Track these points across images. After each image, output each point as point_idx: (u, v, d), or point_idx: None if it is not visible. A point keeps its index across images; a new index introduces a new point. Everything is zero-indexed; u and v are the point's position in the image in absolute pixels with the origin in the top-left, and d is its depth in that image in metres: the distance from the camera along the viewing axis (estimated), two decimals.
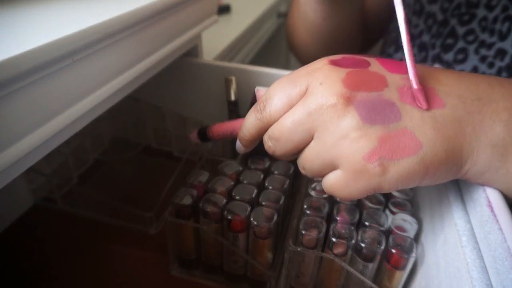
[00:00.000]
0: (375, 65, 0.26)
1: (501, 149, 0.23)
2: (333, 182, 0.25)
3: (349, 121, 0.23)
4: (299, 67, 0.27)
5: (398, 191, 0.37)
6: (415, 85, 0.24)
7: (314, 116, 0.24)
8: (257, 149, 0.43)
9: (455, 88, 0.24)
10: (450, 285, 0.25)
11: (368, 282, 0.32)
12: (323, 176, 0.26)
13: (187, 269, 0.41)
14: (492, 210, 0.23)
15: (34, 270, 0.41)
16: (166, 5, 0.36)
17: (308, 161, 0.25)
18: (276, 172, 0.40)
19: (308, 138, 0.25)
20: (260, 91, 0.31)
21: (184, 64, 0.52)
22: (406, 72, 0.24)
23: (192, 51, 0.52)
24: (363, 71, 0.25)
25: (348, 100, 0.23)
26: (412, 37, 0.49)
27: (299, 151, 0.26)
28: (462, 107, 0.24)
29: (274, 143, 0.26)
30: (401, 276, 0.32)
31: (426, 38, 0.48)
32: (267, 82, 0.50)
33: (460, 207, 0.27)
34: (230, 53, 0.76)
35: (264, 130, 0.27)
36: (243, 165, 0.41)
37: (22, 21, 0.27)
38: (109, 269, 0.41)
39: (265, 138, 0.27)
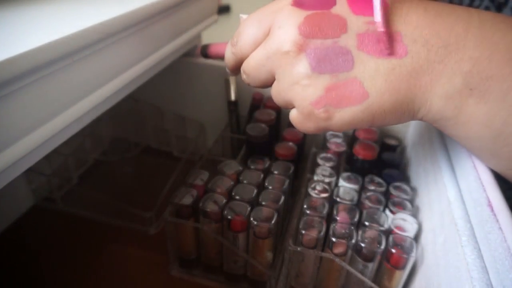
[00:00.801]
0: (341, 5, 0.24)
1: (456, 101, 0.23)
2: (293, 117, 0.26)
3: (300, 69, 0.24)
4: None
5: (398, 191, 0.37)
6: (380, 28, 0.23)
7: (272, 59, 0.25)
8: (257, 149, 0.43)
9: (425, 32, 0.23)
10: (450, 285, 0.25)
11: (368, 282, 0.32)
12: (288, 109, 0.27)
13: (187, 269, 0.41)
14: (492, 210, 0.23)
15: (34, 269, 0.41)
16: (166, 5, 0.36)
17: (274, 96, 0.27)
18: (276, 172, 0.40)
19: (272, 77, 0.26)
20: (242, 19, 0.31)
21: (184, 64, 0.52)
22: (373, 13, 0.23)
23: (192, 51, 0.52)
24: (324, 14, 0.24)
25: (300, 48, 0.24)
26: None
27: (270, 84, 0.27)
28: (424, 56, 0.23)
29: (246, 77, 0.28)
30: (401, 276, 0.32)
31: None
32: None
33: (460, 207, 0.27)
34: None
35: (239, 62, 0.29)
36: (243, 165, 0.41)
37: (22, 21, 0.27)
38: (109, 269, 0.41)
39: (241, 70, 0.29)
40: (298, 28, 0.24)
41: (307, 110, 0.25)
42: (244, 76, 0.29)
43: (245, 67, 0.28)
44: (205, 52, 0.36)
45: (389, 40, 0.23)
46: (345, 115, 0.24)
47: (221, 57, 0.34)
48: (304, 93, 0.24)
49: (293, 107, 0.26)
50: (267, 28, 0.26)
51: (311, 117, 0.25)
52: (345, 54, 0.23)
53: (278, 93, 0.26)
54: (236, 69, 0.30)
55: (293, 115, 0.26)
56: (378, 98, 0.23)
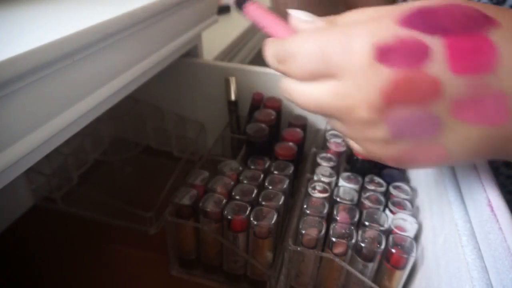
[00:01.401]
0: (437, 60, 0.19)
1: None
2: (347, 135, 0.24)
3: (378, 134, 0.21)
4: None
5: (398, 191, 0.37)
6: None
7: (339, 115, 0.22)
8: (257, 149, 0.43)
9: None
10: (450, 285, 0.25)
11: (368, 282, 0.32)
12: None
13: (187, 269, 0.41)
14: (492, 210, 0.23)
15: (35, 269, 0.41)
16: (166, 5, 0.36)
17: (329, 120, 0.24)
18: (276, 172, 0.40)
19: (331, 117, 0.23)
20: (294, 16, 0.25)
21: (184, 64, 0.52)
22: (479, 68, 0.19)
23: (192, 51, 0.52)
24: (413, 77, 0.19)
25: (381, 116, 0.20)
26: None
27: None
28: None
29: (288, 94, 0.25)
30: (401, 276, 0.32)
31: None
32: (267, 82, 0.50)
33: (460, 207, 0.27)
34: (230, 53, 0.76)
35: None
36: (243, 165, 0.41)
37: (23, 21, 0.27)
38: (109, 269, 0.41)
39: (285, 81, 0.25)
40: (381, 94, 0.20)
41: (375, 158, 0.23)
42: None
43: (293, 96, 0.24)
44: (242, 4, 0.30)
45: (495, 108, 0.19)
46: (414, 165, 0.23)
47: (256, 24, 0.29)
48: (377, 151, 0.22)
49: None
50: (333, 72, 0.21)
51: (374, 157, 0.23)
52: (433, 120, 0.20)
53: (339, 129, 0.24)
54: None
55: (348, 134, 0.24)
56: (459, 162, 0.22)
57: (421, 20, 0.20)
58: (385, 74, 0.19)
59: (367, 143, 0.22)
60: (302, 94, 0.23)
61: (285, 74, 0.24)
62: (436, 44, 0.19)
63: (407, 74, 0.19)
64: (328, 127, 0.48)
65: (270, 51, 0.24)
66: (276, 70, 0.25)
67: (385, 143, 0.21)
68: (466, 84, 0.19)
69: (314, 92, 0.22)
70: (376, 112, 0.20)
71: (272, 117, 0.46)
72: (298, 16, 0.25)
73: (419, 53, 0.19)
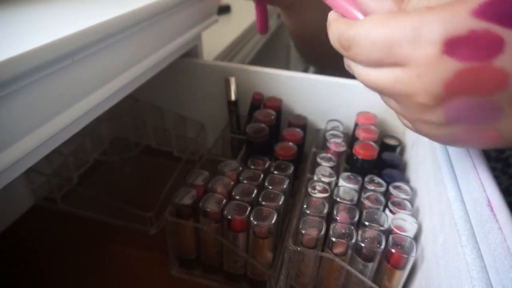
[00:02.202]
0: (508, 54, 0.18)
1: None
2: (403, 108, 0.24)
3: (433, 117, 0.22)
4: (299, 67, 0.26)
5: (398, 191, 0.37)
6: None
7: (398, 97, 0.22)
8: (257, 149, 0.43)
9: None
10: (450, 284, 0.25)
11: (368, 281, 0.32)
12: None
13: (187, 269, 0.41)
14: (492, 210, 0.23)
15: (35, 269, 0.41)
16: (166, 5, 0.36)
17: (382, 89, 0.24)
18: (276, 172, 0.40)
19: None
20: None
21: (184, 64, 0.52)
22: None
23: (192, 51, 0.52)
24: (481, 70, 0.19)
25: (440, 103, 0.20)
26: None
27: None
28: None
29: (353, 55, 0.23)
30: (401, 276, 0.32)
31: None
32: (267, 82, 0.50)
33: (460, 207, 0.27)
34: (230, 53, 0.76)
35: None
36: (243, 165, 0.41)
37: (23, 21, 0.27)
38: (109, 269, 0.41)
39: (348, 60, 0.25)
40: (444, 85, 0.20)
41: (424, 135, 0.24)
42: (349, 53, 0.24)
43: (357, 72, 0.24)
44: None
45: None
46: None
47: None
48: (428, 131, 0.23)
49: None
50: (398, 60, 0.21)
51: (421, 128, 0.24)
52: (493, 108, 0.20)
53: (393, 107, 0.24)
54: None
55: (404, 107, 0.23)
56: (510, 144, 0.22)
57: (498, 11, 0.19)
58: (452, 67, 0.19)
59: (420, 123, 0.23)
60: (363, 75, 0.23)
61: (348, 58, 0.24)
62: (508, 33, 0.18)
63: (475, 67, 0.19)
64: (328, 127, 0.48)
65: (335, 33, 0.24)
66: (338, 51, 0.25)
67: (439, 125, 0.22)
68: None
69: (376, 76, 0.22)
70: (435, 100, 0.20)
71: (272, 117, 0.46)
72: None
73: (491, 47, 0.19)
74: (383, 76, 0.22)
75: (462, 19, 0.19)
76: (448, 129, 0.22)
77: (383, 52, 0.21)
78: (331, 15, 0.25)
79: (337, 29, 0.24)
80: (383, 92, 0.23)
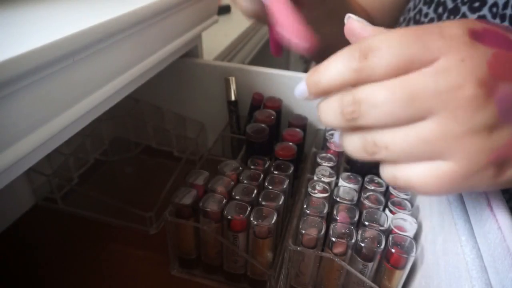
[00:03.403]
0: None
1: None
2: (428, 174, 0.20)
3: (486, 117, 0.19)
4: (299, 67, 0.25)
5: (398, 191, 0.37)
6: None
7: (442, 97, 0.19)
8: (257, 149, 0.43)
9: None
10: (450, 284, 0.25)
11: (368, 281, 0.32)
12: (407, 162, 0.21)
13: (187, 268, 0.41)
14: (491, 210, 0.23)
15: (35, 269, 0.41)
16: (166, 5, 0.36)
17: (405, 142, 0.20)
18: (276, 172, 0.40)
19: (418, 117, 0.20)
20: (352, 21, 0.23)
21: (184, 64, 0.52)
22: None
23: (192, 51, 0.52)
24: (509, 55, 0.20)
25: (491, 92, 0.19)
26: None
27: (388, 126, 0.21)
28: None
29: (364, 108, 0.20)
30: (400, 276, 0.32)
31: None
32: (267, 82, 0.50)
33: (460, 207, 0.27)
34: (230, 53, 0.76)
35: (351, 83, 0.21)
36: (243, 165, 0.41)
37: (23, 21, 0.27)
38: (109, 268, 0.42)
39: (350, 98, 0.21)
40: (488, 65, 0.19)
41: (480, 165, 0.20)
42: (353, 108, 0.21)
43: (372, 94, 0.20)
44: None
45: None
46: None
47: (264, 20, 0.27)
48: (482, 144, 0.19)
49: (435, 160, 0.20)
50: (435, 55, 0.19)
51: (478, 174, 0.20)
52: None
53: (427, 139, 0.20)
54: (334, 91, 0.22)
55: (432, 171, 0.20)
56: None
57: (490, 33, 0.20)
58: (487, 51, 0.19)
59: (468, 137, 0.19)
60: (393, 88, 0.20)
61: (362, 75, 0.21)
62: None
63: (505, 52, 0.20)
64: (328, 127, 0.48)
65: (341, 60, 0.21)
66: (344, 79, 0.21)
67: (491, 129, 0.19)
68: None
69: (412, 82, 0.20)
70: (484, 87, 0.19)
71: (272, 117, 0.46)
72: (355, 18, 0.24)
73: (507, 41, 0.20)
74: (420, 79, 0.20)
75: (472, 20, 0.21)
76: (500, 135, 0.19)
77: (412, 50, 0.20)
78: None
79: (341, 59, 0.22)
80: (416, 96, 0.19)
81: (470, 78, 0.19)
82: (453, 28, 0.20)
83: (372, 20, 0.62)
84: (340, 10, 0.43)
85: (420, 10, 0.51)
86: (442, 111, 0.19)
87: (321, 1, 0.39)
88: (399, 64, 0.20)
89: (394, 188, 0.37)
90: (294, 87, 0.24)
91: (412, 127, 0.20)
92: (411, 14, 0.52)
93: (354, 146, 0.22)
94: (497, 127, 0.19)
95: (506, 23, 0.41)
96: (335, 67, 0.21)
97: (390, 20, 0.62)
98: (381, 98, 0.20)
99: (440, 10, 0.47)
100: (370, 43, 0.20)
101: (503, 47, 0.20)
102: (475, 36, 0.20)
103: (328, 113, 0.22)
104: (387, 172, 0.22)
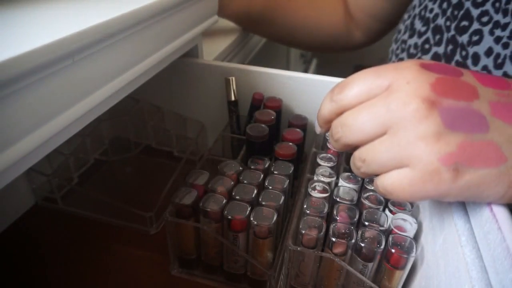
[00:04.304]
0: (468, 76, 0.24)
1: None
2: (395, 180, 0.24)
3: (430, 125, 0.22)
4: (299, 67, 0.27)
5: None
6: None
7: (393, 113, 0.23)
8: (257, 149, 0.43)
9: None
10: (450, 284, 0.25)
11: (368, 281, 0.32)
12: (383, 172, 0.25)
13: (187, 268, 0.41)
14: (491, 210, 0.23)
15: (35, 269, 0.41)
16: (166, 5, 0.36)
17: (375, 153, 0.25)
18: (276, 172, 0.40)
19: (380, 132, 0.24)
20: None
21: (184, 64, 0.52)
22: (502, 87, 0.24)
23: (192, 51, 0.52)
24: (454, 80, 0.24)
25: (433, 105, 0.23)
26: (427, 21, 0.50)
27: (363, 143, 0.26)
28: None
29: (344, 129, 0.26)
30: (400, 276, 0.32)
31: (441, 21, 0.48)
32: (267, 82, 0.50)
33: (460, 207, 0.27)
34: (230, 53, 0.76)
35: (336, 114, 0.27)
36: (243, 165, 0.41)
37: (23, 21, 0.27)
38: (109, 269, 0.42)
39: (336, 123, 0.27)
40: (430, 85, 0.23)
41: (432, 167, 0.22)
42: (338, 130, 0.27)
43: (347, 118, 0.26)
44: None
45: None
46: (475, 176, 0.22)
47: None
48: (432, 148, 0.22)
49: (400, 167, 0.24)
50: (387, 82, 0.25)
51: (433, 176, 0.22)
52: (480, 117, 0.23)
53: (387, 149, 0.24)
54: (330, 121, 0.28)
55: (398, 177, 0.24)
56: None
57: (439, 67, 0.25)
58: (431, 75, 0.24)
59: (419, 143, 0.23)
60: (358, 111, 0.26)
61: (339, 104, 0.27)
62: (464, 70, 0.25)
63: (448, 77, 0.24)
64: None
65: (326, 99, 0.28)
66: (330, 110, 0.28)
67: (438, 135, 0.22)
68: (494, 92, 0.24)
69: (372, 104, 0.25)
70: (427, 101, 0.23)
71: (272, 117, 0.46)
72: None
73: (454, 71, 0.25)
74: (377, 102, 0.25)
75: (420, 62, 0.26)
76: (449, 139, 0.22)
77: (373, 79, 0.25)
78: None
79: (326, 98, 0.28)
80: (375, 114, 0.25)
81: (413, 95, 0.23)
82: (406, 63, 0.25)
83: (362, 26, 0.64)
84: (267, 15, 0.59)
85: (426, 6, 0.51)
86: (395, 125, 0.23)
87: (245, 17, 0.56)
88: (363, 91, 0.25)
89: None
90: (294, 87, 0.31)
91: (379, 140, 0.25)
92: (416, 10, 0.52)
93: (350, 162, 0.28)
94: (444, 134, 0.22)
95: (508, 18, 0.41)
96: (324, 105, 0.28)
97: (382, 25, 0.64)
98: (351, 120, 0.26)
99: (445, 5, 0.48)
100: (345, 81, 0.27)
101: (448, 74, 0.24)
102: (424, 65, 0.25)
103: (329, 139, 0.30)
104: (374, 182, 0.27)
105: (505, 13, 0.42)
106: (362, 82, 0.25)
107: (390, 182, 0.24)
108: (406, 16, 0.58)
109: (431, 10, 0.50)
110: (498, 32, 0.42)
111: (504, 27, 0.42)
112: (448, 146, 0.22)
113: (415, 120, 0.23)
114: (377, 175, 0.26)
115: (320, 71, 0.92)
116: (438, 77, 0.24)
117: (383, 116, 0.24)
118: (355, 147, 0.27)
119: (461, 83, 0.24)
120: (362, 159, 0.26)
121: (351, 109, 0.26)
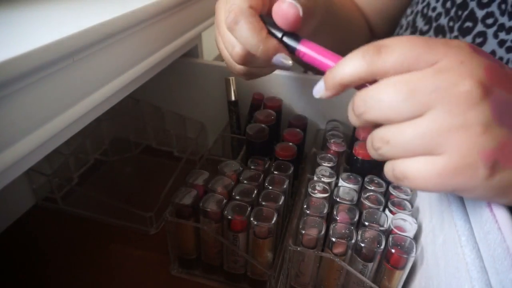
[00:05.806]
0: (509, 69, 0.22)
1: None
2: (421, 167, 0.21)
3: (479, 113, 0.20)
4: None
5: (398, 191, 0.37)
6: None
7: (440, 93, 0.21)
8: (257, 149, 0.43)
9: None
10: (450, 284, 0.25)
11: (368, 281, 0.32)
12: (406, 157, 0.22)
13: (187, 268, 0.41)
14: (491, 210, 0.23)
15: (35, 269, 0.41)
16: (167, 5, 0.36)
17: (404, 136, 0.22)
18: (276, 172, 0.40)
19: (417, 113, 0.21)
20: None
21: (184, 64, 0.52)
22: None
23: (192, 51, 0.52)
24: (502, 70, 0.22)
25: (487, 92, 0.20)
26: (429, 20, 0.49)
27: (391, 122, 0.22)
28: None
29: (370, 104, 0.22)
30: (400, 276, 0.32)
31: (444, 21, 0.47)
32: (267, 82, 0.50)
33: (460, 207, 0.27)
34: None
35: (364, 79, 0.23)
36: (243, 165, 0.41)
37: (23, 21, 0.27)
38: (109, 269, 0.42)
39: (361, 94, 0.23)
40: (484, 70, 0.21)
41: (470, 160, 0.20)
42: (362, 103, 0.23)
43: (378, 89, 0.22)
44: (293, 49, 0.28)
45: None
46: (508, 177, 0.21)
47: (311, 65, 0.28)
48: (475, 140, 0.20)
49: (430, 155, 0.21)
50: (438, 57, 0.21)
51: (468, 170, 0.21)
52: None
53: (424, 133, 0.21)
54: (348, 86, 0.24)
55: (426, 165, 0.21)
56: None
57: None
58: (483, 60, 0.21)
59: (461, 132, 0.20)
60: (397, 84, 0.22)
61: (374, 67, 0.22)
62: (504, 65, 0.23)
63: (497, 65, 0.22)
64: (328, 127, 0.48)
65: (355, 56, 0.23)
66: (360, 71, 0.23)
67: (484, 126, 0.20)
68: None
69: (415, 80, 0.21)
70: (482, 86, 0.20)
71: (272, 117, 0.46)
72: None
73: (498, 61, 0.22)
74: (423, 76, 0.21)
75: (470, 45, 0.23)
76: (493, 134, 0.20)
77: (420, 50, 0.22)
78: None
79: (356, 55, 0.24)
80: (419, 91, 0.21)
81: (468, 76, 0.20)
82: (456, 41, 0.22)
83: (371, 24, 0.62)
84: (331, 20, 0.45)
85: (428, 4, 0.50)
86: (438, 106, 0.21)
87: (312, 17, 0.37)
88: (406, 61, 0.22)
89: (394, 186, 0.37)
90: (294, 87, 0.27)
91: (411, 122, 0.21)
92: (419, 7, 0.51)
93: (366, 144, 0.25)
94: (490, 128, 0.20)
95: None
96: (350, 62, 0.23)
97: (389, 24, 0.63)
98: (385, 92, 0.22)
99: (448, 4, 0.47)
100: (383, 42, 0.23)
101: (495, 62, 0.22)
102: (474, 49, 0.22)
103: (348, 112, 0.25)
104: (388, 165, 0.24)
105: (511, 16, 0.41)
106: (409, 51, 0.22)
107: (415, 169, 0.22)
108: (409, 11, 0.57)
109: (434, 9, 0.49)
110: (502, 35, 0.42)
111: (508, 30, 0.41)
112: (493, 141, 0.20)
113: (465, 105, 0.20)
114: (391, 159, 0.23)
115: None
116: (490, 63, 0.21)
117: (427, 96, 0.21)
118: (376, 125, 0.23)
119: (509, 75, 0.22)
120: (386, 140, 0.22)
121: (384, 80, 0.22)
